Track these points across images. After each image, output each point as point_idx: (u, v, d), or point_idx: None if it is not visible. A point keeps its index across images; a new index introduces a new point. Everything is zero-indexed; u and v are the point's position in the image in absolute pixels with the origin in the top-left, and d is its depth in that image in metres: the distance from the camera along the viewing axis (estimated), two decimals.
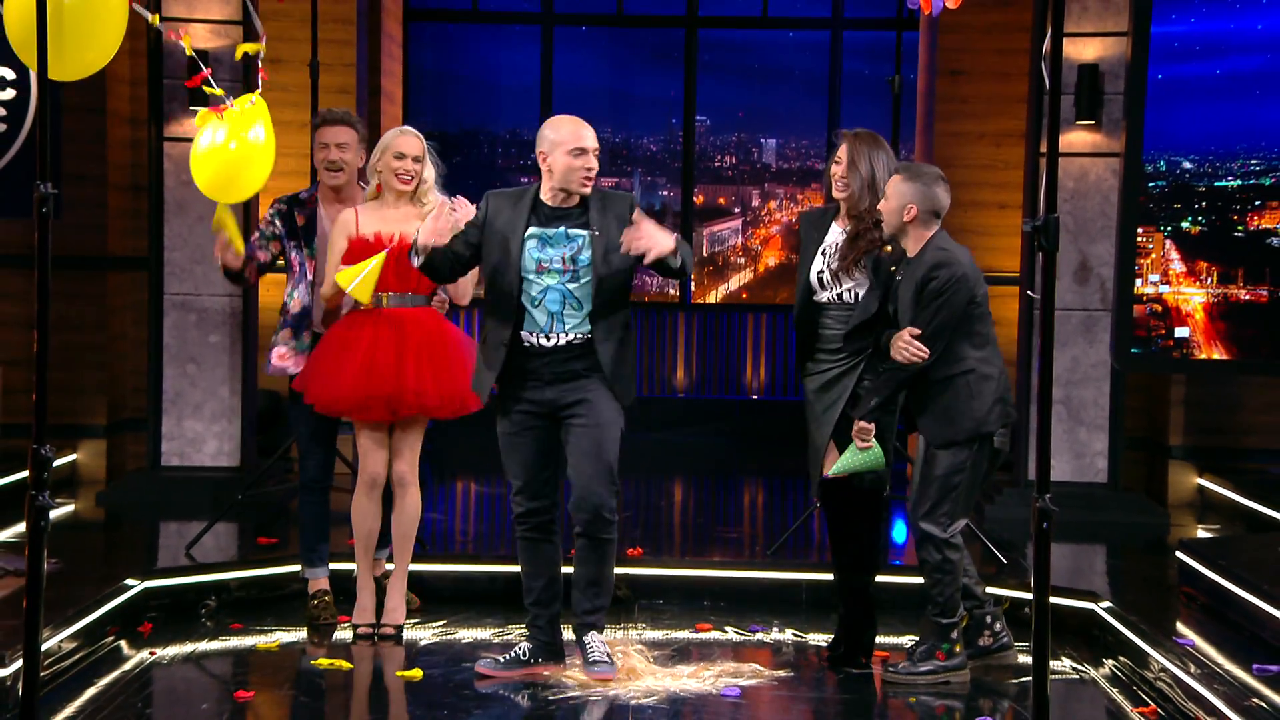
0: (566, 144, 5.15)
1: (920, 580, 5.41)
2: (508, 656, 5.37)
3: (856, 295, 5.38)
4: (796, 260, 5.69)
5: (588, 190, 5.21)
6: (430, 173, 5.80)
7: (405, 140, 5.75)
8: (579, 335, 5.19)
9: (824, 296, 5.43)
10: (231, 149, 5.35)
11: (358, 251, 5.67)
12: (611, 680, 5.22)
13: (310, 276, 5.97)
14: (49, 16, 3.83)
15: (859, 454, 5.30)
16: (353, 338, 5.71)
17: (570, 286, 5.16)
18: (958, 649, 5.31)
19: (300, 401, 5.91)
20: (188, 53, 5.53)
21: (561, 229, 5.17)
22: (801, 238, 5.58)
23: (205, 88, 5.40)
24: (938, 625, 5.30)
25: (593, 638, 5.30)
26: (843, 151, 5.42)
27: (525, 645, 5.38)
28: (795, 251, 11.34)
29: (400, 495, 5.80)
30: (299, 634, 5.93)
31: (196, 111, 5.57)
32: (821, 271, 5.42)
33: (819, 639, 5.89)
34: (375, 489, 5.82)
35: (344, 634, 5.91)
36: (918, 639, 5.42)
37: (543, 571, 5.37)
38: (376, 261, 5.53)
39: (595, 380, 5.19)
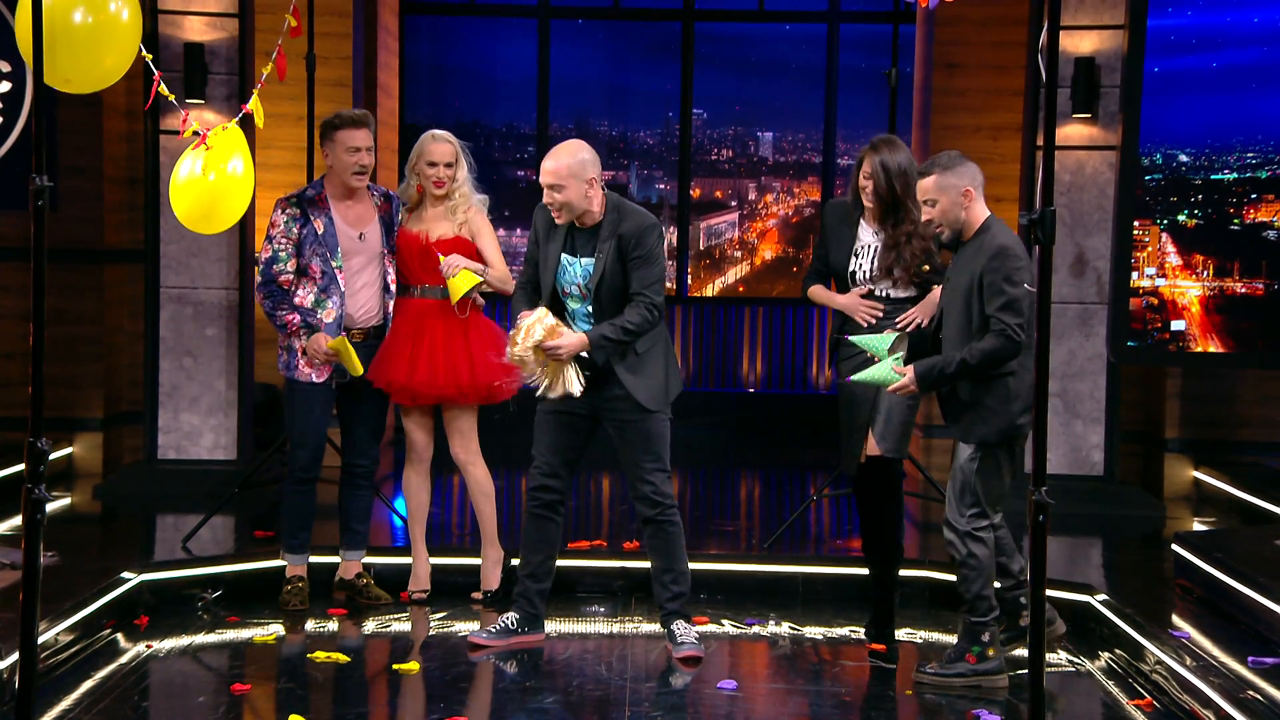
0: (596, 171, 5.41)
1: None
2: (497, 627, 5.65)
3: (887, 294, 5.64)
4: (814, 242, 5.83)
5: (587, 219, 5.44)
6: (464, 173, 6.07)
7: (436, 147, 6.04)
8: None
9: (860, 290, 5.67)
10: (210, 180, 5.22)
11: (404, 248, 6.05)
12: (700, 656, 5.48)
13: (344, 287, 5.93)
14: (63, 28, 3.81)
15: (880, 369, 5.17)
16: (394, 326, 6.06)
17: (590, 309, 5.44)
18: (990, 652, 5.16)
19: (294, 395, 5.96)
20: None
21: (580, 258, 5.44)
22: (827, 227, 5.78)
23: (161, 89, 5.33)
24: (967, 625, 5.20)
25: (679, 625, 5.57)
26: (868, 164, 5.59)
27: (513, 615, 5.67)
28: (792, 244, 11.37)
29: (466, 476, 6.17)
30: (296, 627, 5.93)
31: (176, 107, 5.52)
32: (854, 271, 5.68)
33: (815, 632, 5.90)
34: (418, 465, 6.19)
35: (330, 625, 5.93)
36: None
37: (541, 548, 5.66)
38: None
39: (623, 383, 5.45)
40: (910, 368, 5.12)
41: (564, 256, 5.45)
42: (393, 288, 6.05)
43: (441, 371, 5.95)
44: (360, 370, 5.90)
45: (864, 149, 5.66)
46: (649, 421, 5.46)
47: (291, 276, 5.94)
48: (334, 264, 5.93)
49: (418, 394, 5.98)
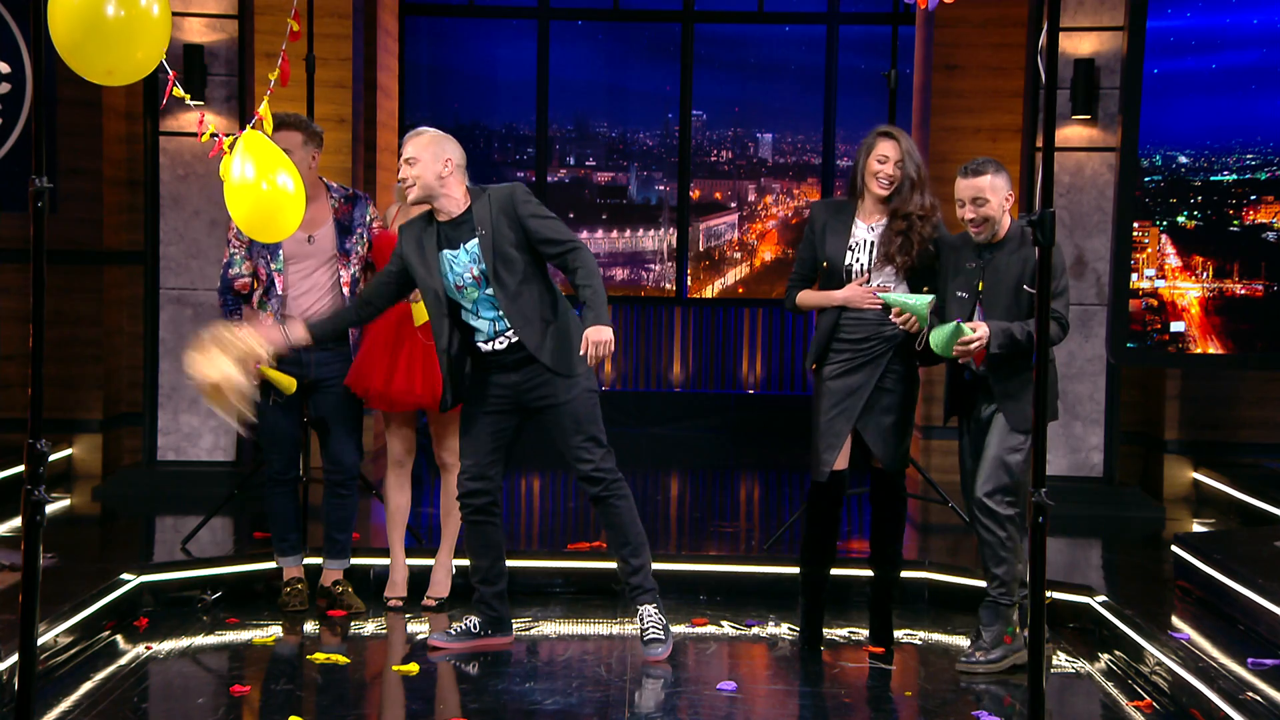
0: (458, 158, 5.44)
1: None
2: (459, 629, 5.64)
3: (885, 286, 5.55)
4: (798, 247, 5.74)
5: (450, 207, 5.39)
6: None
7: (405, 142, 5.88)
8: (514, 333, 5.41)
9: (858, 282, 5.55)
10: (264, 190, 4.90)
11: (379, 244, 6.01)
12: (665, 657, 5.45)
13: (282, 292, 5.88)
14: (96, 21, 3.80)
15: (919, 301, 5.28)
16: (372, 332, 5.99)
17: (489, 293, 5.35)
18: (1019, 630, 5.35)
19: (262, 400, 5.93)
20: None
21: (461, 248, 5.35)
22: (817, 226, 5.63)
23: (176, 90, 5.26)
24: (999, 608, 5.34)
25: (646, 611, 5.52)
26: (890, 149, 5.51)
27: (474, 619, 5.65)
28: (792, 246, 11.36)
29: (444, 479, 6.14)
30: (295, 628, 5.93)
31: (190, 106, 5.49)
32: (850, 265, 5.56)
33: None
34: (398, 470, 6.17)
35: (329, 626, 5.93)
36: (980, 626, 5.43)
37: (486, 552, 5.63)
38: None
39: (529, 348, 5.38)
40: (985, 325, 5.21)
41: (444, 253, 5.35)
42: (346, 291, 5.92)
43: (419, 380, 5.90)
44: (292, 389, 5.82)
45: (873, 135, 5.55)
46: (573, 402, 5.39)
47: (248, 279, 5.91)
48: (274, 267, 5.86)
49: (395, 402, 5.95)
